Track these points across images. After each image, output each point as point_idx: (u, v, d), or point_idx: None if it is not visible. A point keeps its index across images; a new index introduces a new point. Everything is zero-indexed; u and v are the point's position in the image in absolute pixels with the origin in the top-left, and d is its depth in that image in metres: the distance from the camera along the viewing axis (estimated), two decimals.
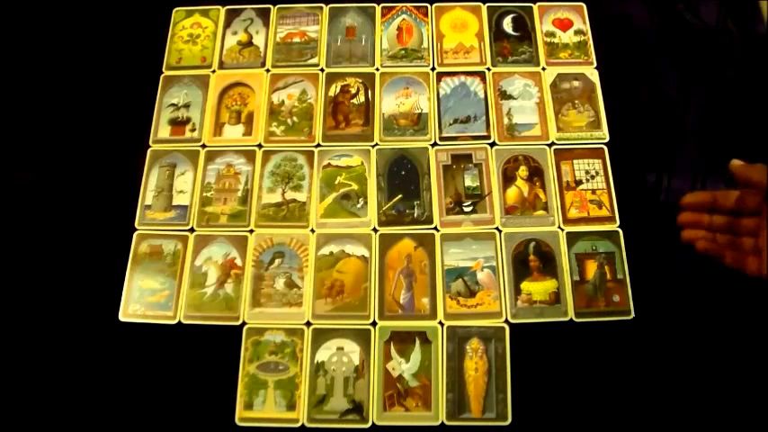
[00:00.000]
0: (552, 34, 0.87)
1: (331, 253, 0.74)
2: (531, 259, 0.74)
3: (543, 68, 0.85)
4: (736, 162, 0.57)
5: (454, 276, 0.73)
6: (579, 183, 0.78)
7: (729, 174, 0.57)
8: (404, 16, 0.89)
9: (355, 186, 0.78)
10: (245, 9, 0.90)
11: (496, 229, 0.75)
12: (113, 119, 0.82)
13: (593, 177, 0.78)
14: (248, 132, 0.82)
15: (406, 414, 0.67)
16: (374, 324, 0.71)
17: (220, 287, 0.73)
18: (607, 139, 0.80)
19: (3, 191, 0.80)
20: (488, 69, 0.85)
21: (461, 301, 0.72)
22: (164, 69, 0.86)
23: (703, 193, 0.61)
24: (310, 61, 0.86)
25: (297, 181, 0.78)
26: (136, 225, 0.77)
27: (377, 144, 0.80)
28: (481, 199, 0.77)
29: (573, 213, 0.76)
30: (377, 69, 0.85)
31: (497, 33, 0.87)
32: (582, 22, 0.88)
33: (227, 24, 0.89)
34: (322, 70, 0.85)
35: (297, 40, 0.87)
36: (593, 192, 0.77)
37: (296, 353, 0.70)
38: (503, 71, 0.84)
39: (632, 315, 0.71)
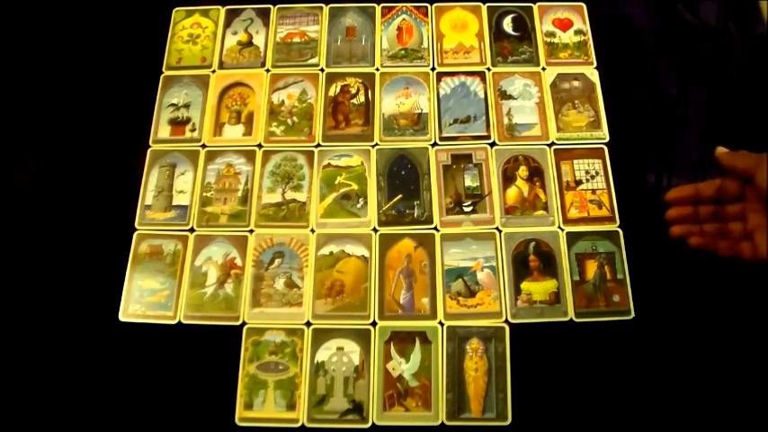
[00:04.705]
0: (552, 34, 0.87)
1: (331, 253, 0.74)
2: (531, 259, 0.74)
3: (543, 68, 0.85)
4: (721, 149, 0.57)
5: (454, 276, 0.73)
6: (579, 183, 0.78)
7: (715, 161, 0.57)
8: (404, 16, 0.89)
9: (355, 186, 0.78)
10: (245, 9, 0.90)
11: (496, 229, 0.75)
12: (113, 119, 0.82)
13: (593, 177, 0.78)
14: (248, 132, 0.82)
15: (406, 414, 0.67)
16: (374, 324, 0.71)
17: (220, 287, 0.73)
18: (607, 139, 0.80)
19: (3, 191, 0.80)
20: (488, 69, 0.85)
21: (461, 301, 0.72)
22: (164, 69, 0.86)
23: (686, 186, 0.61)
24: (310, 61, 0.86)
25: (297, 181, 0.78)
26: (136, 225, 0.77)
27: (377, 144, 0.80)
28: (481, 199, 0.77)
29: (573, 213, 0.76)
30: (377, 69, 0.85)
31: (497, 33, 0.87)
32: (582, 22, 0.88)
33: (227, 24, 0.89)
34: (322, 70, 0.85)
35: (297, 40, 0.87)
36: (593, 192, 0.77)
37: (296, 353, 0.70)
38: (503, 71, 0.84)
39: (632, 315, 0.71)
